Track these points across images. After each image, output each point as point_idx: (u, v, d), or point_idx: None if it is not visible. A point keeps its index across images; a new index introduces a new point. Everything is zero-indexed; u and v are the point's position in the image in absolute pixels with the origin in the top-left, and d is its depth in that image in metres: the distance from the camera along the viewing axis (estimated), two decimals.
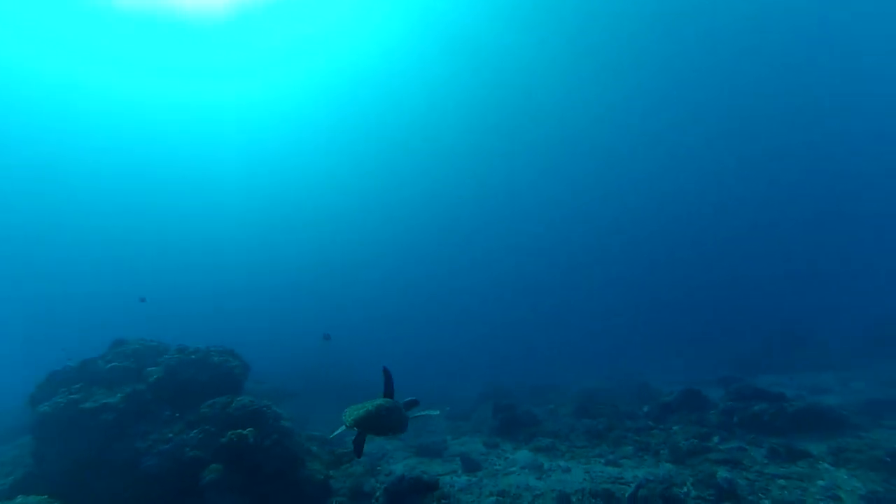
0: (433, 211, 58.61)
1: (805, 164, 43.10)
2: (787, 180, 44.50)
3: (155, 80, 40.93)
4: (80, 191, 51.66)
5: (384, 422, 4.13)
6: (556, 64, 37.64)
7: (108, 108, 43.06)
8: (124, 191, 52.73)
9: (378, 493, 7.19)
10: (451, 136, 46.85)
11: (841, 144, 41.38)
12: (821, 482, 6.53)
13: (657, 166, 47.12)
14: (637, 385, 14.89)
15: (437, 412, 4.89)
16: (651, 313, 39.97)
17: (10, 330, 46.76)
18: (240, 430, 6.73)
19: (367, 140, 48.74)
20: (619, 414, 10.94)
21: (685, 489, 6.55)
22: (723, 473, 6.38)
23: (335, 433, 4.44)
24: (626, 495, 6.55)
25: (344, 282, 61.58)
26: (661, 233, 53.19)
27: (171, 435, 6.86)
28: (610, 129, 43.73)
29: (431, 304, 59.50)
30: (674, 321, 35.12)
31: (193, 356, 8.70)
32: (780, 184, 45.10)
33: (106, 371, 7.98)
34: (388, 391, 4.55)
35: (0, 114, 40.78)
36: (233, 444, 6.59)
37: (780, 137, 41.97)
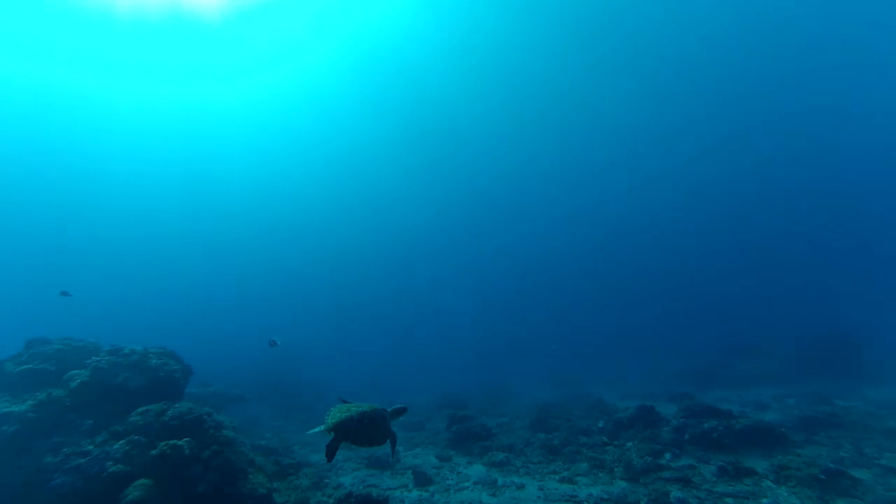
0: (398, 217, 58.19)
1: (760, 185, 45.13)
2: (743, 197, 46.49)
3: (149, 83, 40.48)
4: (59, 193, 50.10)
5: (363, 433, 3.85)
6: (534, 77, 38.58)
7: (101, 113, 42.26)
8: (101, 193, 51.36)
9: None
10: (435, 143, 46.86)
11: (792, 164, 43.83)
12: (765, 500, 6.69)
13: (614, 180, 48.42)
14: (593, 400, 15.05)
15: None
16: (608, 325, 41.01)
17: None
18: (174, 441, 6.15)
19: (332, 148, 48.33)
20: (574, 429, 10.95)
21: None
22: (676, 493, 6.41)
23: (312, 431, 4.14)
24: None
25: (304, 285, 60.26)
26: (618, 247, 54.63)
27: (90, 447, 6.01)
28: (563, 151, 45.02)
29: (389, 310, 58.91)
30: (630, 333, 36.19)
31: (128, 358, 7.95)
32: (739, 201, 47.07)
33: (16, 375, 7.09)
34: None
35: None
36: (165, 455, 5.99)
37: (737, 156, 44.08)
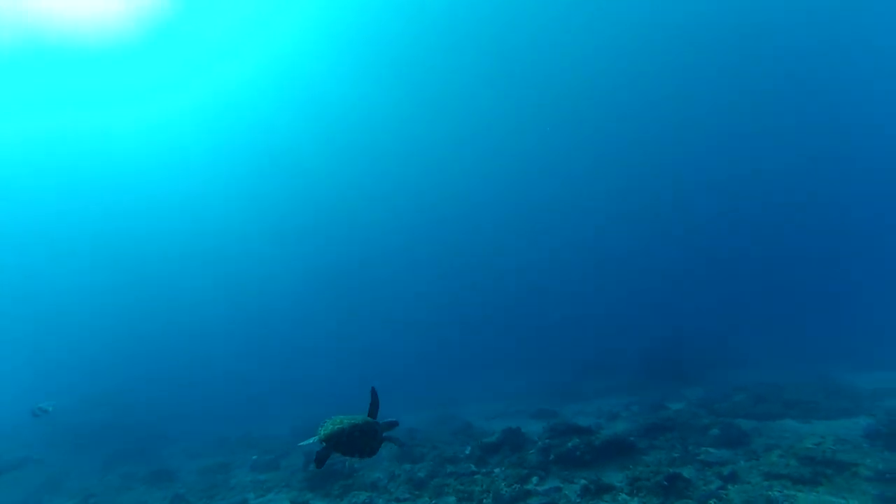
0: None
1: (608, 206, 50.77)
2: (609, 213, 51.73)
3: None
4: None
5: (354, 444, 4.04)
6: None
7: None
8: None
9: None
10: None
11: (611, 195, 50.06)
12: None
13: (466, 187, 50.54)
14: (460, 423, 14.86)
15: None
16: (473, 341, 42.30)
17: None
18: None
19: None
20: (441, 457, 10.48)
21: None
22: None
23: (305, 442, 4.29)
24: None
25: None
26: (479, 263, 56.55)
27: None
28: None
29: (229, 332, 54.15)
30: (494, 349, 37.69)
31: None
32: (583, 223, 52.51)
33: None
34: (373, 411, 4.41)
35: None
36: None
37: (581, 184, 49.13)
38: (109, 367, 41.09)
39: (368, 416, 4.35)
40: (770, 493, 6.75)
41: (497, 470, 8.96)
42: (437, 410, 20.61)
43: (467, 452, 10.28)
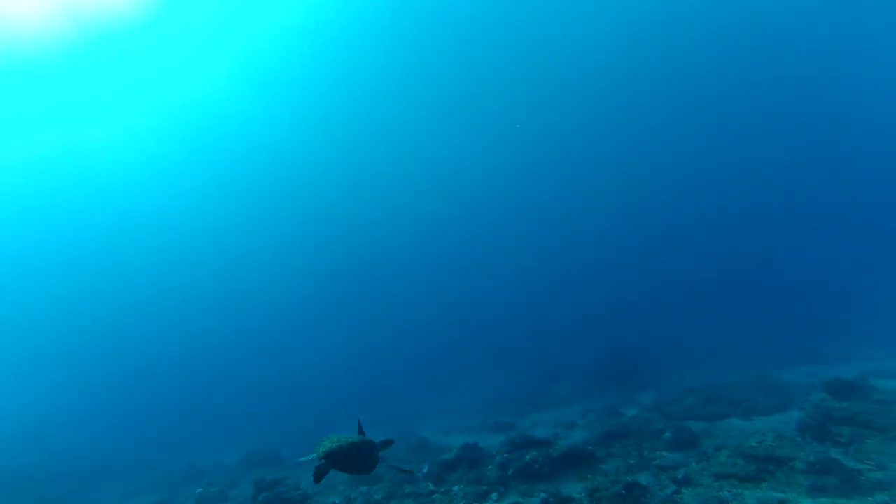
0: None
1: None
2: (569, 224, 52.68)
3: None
4: None
5: (351, 461, 4.26)
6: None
7: None
8: None
9: None
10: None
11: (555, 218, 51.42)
12: None
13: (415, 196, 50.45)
14: (416, 439, 14.49)
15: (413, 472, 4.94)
16: (427, 355, 41.88)
17: None
18: None
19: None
20: (398, 477, 10.10)
21: None
22: None
23: (304, 458, 4.52)
24: None
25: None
26: (435, 273, 56.58)
27: None
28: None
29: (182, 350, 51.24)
30: (448, 360, 37.40)
31: None
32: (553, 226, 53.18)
33: None
34: (362, 433, 4.65)
35: None
36: None
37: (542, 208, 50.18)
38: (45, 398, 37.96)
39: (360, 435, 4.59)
40: (721, 493, 6.91)
41: (456, 488, 8.72)
42: (393, 427, 20.10)
43: (425, 471, 9.98)
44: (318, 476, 4.29)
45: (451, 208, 51.33)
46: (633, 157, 45.40)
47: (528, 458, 8.44)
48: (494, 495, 7.86)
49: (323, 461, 4.23)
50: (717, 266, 46.69)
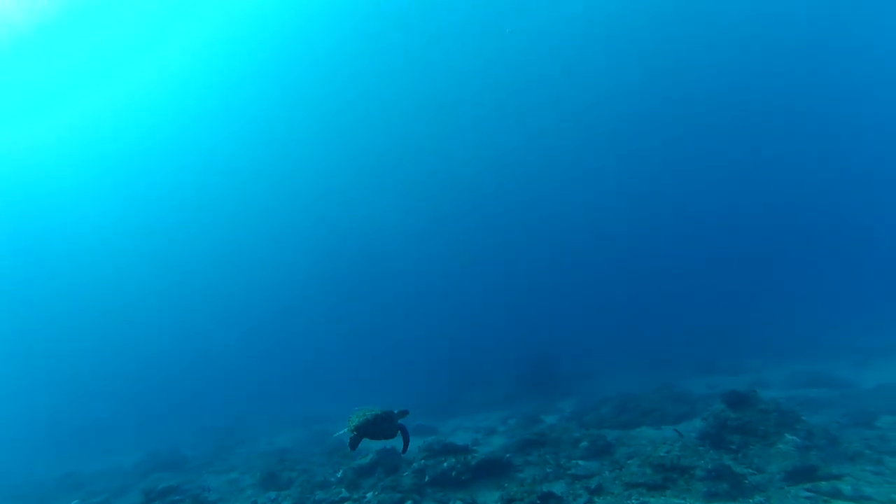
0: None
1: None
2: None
3: None
4: None
5: (378, 429, 5.12)
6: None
7: None
8: None
9: None
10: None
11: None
12: None
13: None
14: (334, 441, 13.85)
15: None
16: (351, 353, 40.85)
17: None
18: None
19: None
20: (310, 483, 9.53)
21: None
22: None
23: (338, 433, 5.71)
24: None
25: None
26: (351, 269, 54.87)
27: None
28: None
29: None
30: (373, 359, 36.65)
31: None
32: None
33: None
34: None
35: None
36: None
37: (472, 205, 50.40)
38: None
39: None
40: (629, 502, 7.09)
41: (370, 495, 8.32)
42: (313, 428, 19.28)
43: (339, 475, 9.49)
44: (353, 444, 5.23)
45: (372, 210, 50.26)
46: (557, 164, 46.55)
47: (445, 465, 8.24)
48: (409, 503, 7.57)
49: (354, 433, 5.07)
50: (636, 276, 49.10)
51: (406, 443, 5.68)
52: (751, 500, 6.64)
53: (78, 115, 36.62)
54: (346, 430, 5.18)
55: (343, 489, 8.90)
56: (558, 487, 7.91)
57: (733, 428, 8.99)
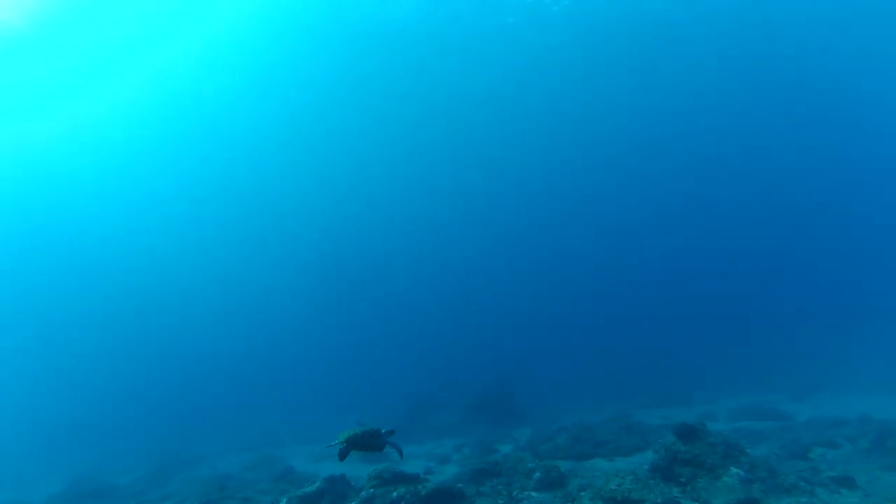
0: None
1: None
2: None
3: None
4: None
5: (365, 442, 5.69)
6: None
7: None
8: None
9: None
10: None
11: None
12: None
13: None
14: (282, 466, 13.20)
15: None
16: (301, 373, 39.46)
17: None
18: None
19: None
20: None
21: None
22: None
23: (330, 444, 5.88)
24: None
25: None
26: (305, 286, 53.00)
27: None
28: None
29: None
30: (326, 381, 35.45)
31: None
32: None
33: None
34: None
35: None
36: None
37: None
38: None
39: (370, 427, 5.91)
40: None
41: None
42: (259, 452, 18.33)
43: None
44: (342, 455, 5.74)
45: (337, 225, 49.18)
46: (516, 189, 46.35)
47: (394, 494, 7.92)
48: None
49: (344, 444, 5.59)
50: (596, 307, 49.73)
51: (400, 453, 6.34)
52: None
53: (80, 114, 35.02)
54: (337, 440, 5.70)
55: None
56: None
57: (683, 461, 9.09)
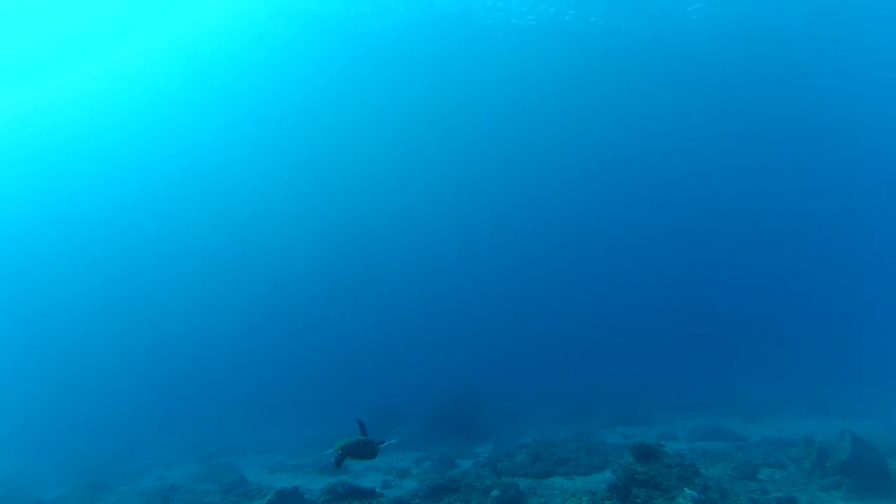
0: None
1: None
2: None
3: None
4: None
5: (360, 450, 5.89)
6: None
7: None
8: None
9: None
10: None
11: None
12: None
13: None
14: (234, 477, 12.63)
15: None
16: (261, 380, 38.19)
17: None
18: None
19: None
20: None
21: None
22: None
23: (325, 453, 6.35)
24: None
25: None
26: (267, 292, 51.71)
27: None
28: None
29: None
30: (287, 389, 34.42)
31: None
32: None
33: None
34: (363, 432, 6.29)
35: None
36: None
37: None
38: None
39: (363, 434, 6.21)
40: None
41: None
42: (212, 461, 17.55)
43: None
44: (338, 462, 6.03)
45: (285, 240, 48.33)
46: (485, 202, 46.24)
47: None
48: None
49: (340, 452, 5.81)
50: (561, 324, 50.11)
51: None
52: None
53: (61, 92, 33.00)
54: (333, 449, 5.93)
55: None
56: None
57: (640, 482, 9.11)
